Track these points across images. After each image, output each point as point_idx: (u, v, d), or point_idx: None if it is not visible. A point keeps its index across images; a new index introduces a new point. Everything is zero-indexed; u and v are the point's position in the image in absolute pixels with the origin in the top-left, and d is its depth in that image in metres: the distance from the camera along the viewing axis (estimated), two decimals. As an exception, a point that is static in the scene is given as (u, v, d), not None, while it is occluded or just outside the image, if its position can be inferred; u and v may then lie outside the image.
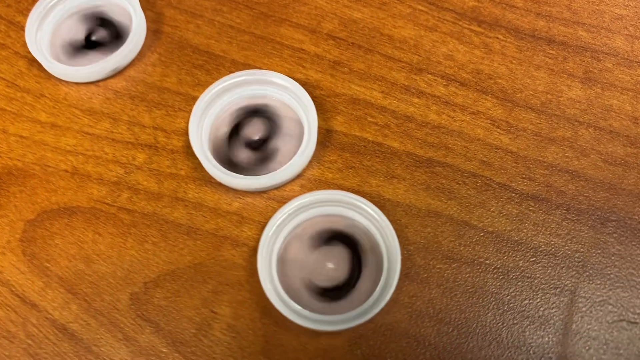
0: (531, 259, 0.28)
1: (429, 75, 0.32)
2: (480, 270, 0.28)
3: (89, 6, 0.34)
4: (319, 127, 0.31)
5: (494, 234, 0.28)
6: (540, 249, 0.28)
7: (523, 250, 0.28)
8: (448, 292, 0.28)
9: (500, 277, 0.28)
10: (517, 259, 0.28)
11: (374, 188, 0.29)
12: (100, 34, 0.33)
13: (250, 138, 0.30)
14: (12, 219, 0.29)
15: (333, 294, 0.27)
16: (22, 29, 0.33)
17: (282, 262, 0.28)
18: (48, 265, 0.29)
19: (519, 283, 0.28)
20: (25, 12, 0.34)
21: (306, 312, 0.26)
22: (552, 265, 0.28)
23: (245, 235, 0.29)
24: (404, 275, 0.28)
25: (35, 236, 0.29)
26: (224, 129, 0.31)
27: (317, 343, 0.27)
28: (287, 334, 0.27)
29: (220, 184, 0.30)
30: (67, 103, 0.32)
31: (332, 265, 0.28)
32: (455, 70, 0.32)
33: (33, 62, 0.33)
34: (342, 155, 0.30)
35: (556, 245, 0.28)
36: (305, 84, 0.31)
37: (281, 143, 0.30)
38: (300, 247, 0.28)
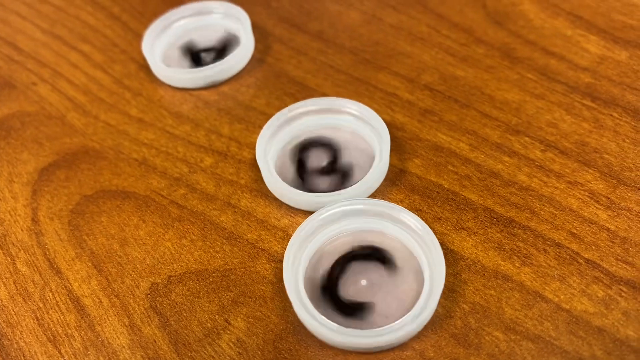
0: (614, 352, 0.22)
1: (526, 138, 0.29)
2: (545, 350, 0.23)
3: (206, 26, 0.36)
4: (393, 166, 0.28)
5: (571, 313, 0.23)
6: (628, 344, 0.22)
7: (604, 340, 0.23)
8: (499, 365, 0.22)
9: (570, 363, 0.22)
10: (595, 347, 0.22)
11: (439, 236, 0.26)
12: (210, 54, 0.35)
13: (317, 166, 0.29)
14: (72, 191, 0.30)
15: (360, 311, 0.24)
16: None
17: (311, 276, 0.25)
18: (86, 238, 0.28)
19: (593, 377, 0.22)
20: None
21: (327, 322, 0.23)
22: (640, 365, 0.22)
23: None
24: (450, 334, 0.23)
25: (86, 210, 0.29)
26: (293, 151, 0.30)
27: (330, 384, 0.23)
28: (299, 365, 0.23)
29: (275, 200, 0.28)
30: (159, 104, 0.33)
31: (365, 283, 0.24)
32: (557, 138, 0.29)
33: (142, 67, 0.35)
34: (410, 196, 0.27)
35: (650, 343, 0.22)
36: (389, 124, 0.29)
37: (349, 172, 0.28)
38: (329, 261, 0.25)
